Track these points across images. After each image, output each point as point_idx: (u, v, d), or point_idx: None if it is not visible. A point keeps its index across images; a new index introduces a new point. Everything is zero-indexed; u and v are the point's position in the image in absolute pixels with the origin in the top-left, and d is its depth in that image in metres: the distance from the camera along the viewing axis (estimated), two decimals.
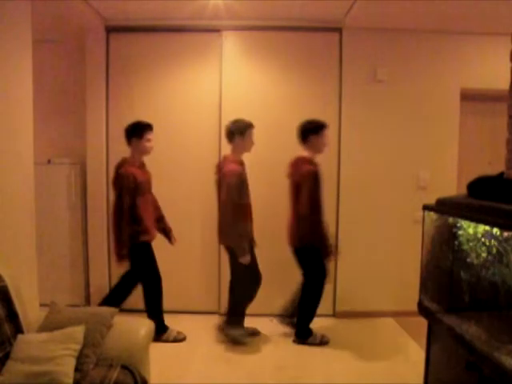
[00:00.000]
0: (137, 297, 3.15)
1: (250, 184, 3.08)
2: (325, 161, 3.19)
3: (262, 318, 3.52)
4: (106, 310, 2.10)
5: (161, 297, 3.15)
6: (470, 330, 1.60)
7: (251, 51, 3.66)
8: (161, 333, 3.08)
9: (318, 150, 3.07)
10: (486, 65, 3.58)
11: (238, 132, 3.02)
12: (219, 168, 3.09)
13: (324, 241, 2.97)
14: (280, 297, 3.68)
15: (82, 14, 3.33)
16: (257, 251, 3.18)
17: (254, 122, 3.09)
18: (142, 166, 3.15)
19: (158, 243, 3.20)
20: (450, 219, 1.80)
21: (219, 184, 3.05)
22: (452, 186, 3.60)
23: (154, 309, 3.12)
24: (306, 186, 2.91)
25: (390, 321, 3.54)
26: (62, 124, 3.90)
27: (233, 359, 2.92)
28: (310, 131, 3.03)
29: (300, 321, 3.15)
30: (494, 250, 1.55)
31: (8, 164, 2.41)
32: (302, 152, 3.08)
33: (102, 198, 3.70)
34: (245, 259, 2.97)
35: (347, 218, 3.68)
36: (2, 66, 2.35)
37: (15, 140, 2.49)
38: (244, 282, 3.11)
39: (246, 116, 3.12)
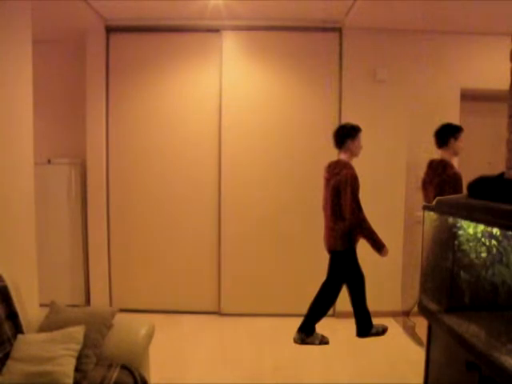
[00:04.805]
0: (137, 297, 3.15)
1: (247, 184, 3.08)
2: (324, 160, 3.20)
3: (263, 318, 3.52)
4: (106, 310, 2.10)
5: (364, 296, 3.16)
6: (470, 329, 1.60)
7: (251, 51, 3.66)
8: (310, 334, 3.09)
9: (354, 153, 3.10)
10: (486, 65, 3.58)
11: (350, 136, 3.03)
12: (332, 169, 3.08)
13: (374, 235, 3.02)
14: (280, 297, 3.68)
15: (82, 14, 3.33)
16: (261, 252, 3.16)
17: (254, 122, 3.10)
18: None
19: (158, 243, 3.20)
20: (450, 219, 1.79)
21: (330, 185, 3.05)
22: None
23: (360, 308, 3.14)
24: (348, 190, 2.95)
25: (389, 321, 3.54)
26: (62, 124, 3.91)
27: (232, 359, 2.92)
28: (346, 136, 3.06)
29: (310, 316, 3.16)
30: (494, 250, 1.55)
31: (8, 164, 2.41)
32: (305, 153, 3.06)
33: (102, 198, 3.69)
34: (384, 250, 2.98)
35: None
36: (2, 65, 2.35)
37: (15, 140, 2.49)
38: (335, 287, 3.12)
39: (246, 116, 3.13)
